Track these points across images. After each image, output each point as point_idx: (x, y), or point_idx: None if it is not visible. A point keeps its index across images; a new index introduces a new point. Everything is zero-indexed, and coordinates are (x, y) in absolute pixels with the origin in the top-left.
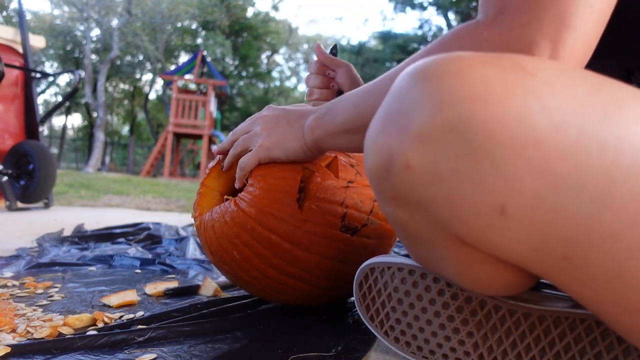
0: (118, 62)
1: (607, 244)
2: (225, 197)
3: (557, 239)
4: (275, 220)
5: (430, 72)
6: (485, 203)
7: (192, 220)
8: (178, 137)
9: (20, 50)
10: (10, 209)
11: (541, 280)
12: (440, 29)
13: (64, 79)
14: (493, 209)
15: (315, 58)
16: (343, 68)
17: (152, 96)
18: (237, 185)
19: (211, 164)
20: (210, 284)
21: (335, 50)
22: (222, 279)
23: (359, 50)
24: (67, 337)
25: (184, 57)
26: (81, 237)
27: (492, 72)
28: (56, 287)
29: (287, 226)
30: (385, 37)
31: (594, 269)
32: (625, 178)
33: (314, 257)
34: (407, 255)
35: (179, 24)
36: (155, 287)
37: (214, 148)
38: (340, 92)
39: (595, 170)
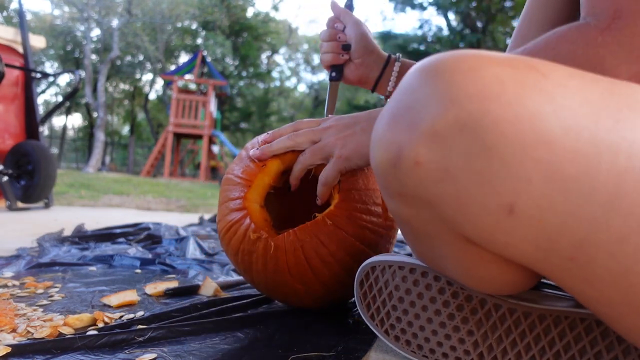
0: (118, 62)
1: (615, 247)
2: (314, 214)
3: (564, 240)
4: (370, 234)
5: (442, 69)
6: (493, 202)
7: (192, 220)
8: (178, 137)
9: (21, 50)
10: (11, 208)
11: (542, 280)
12: (440, 29)
13: (64, 79)
14: (501, 208)
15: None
16: (352, 22)
17: (152, 96)
18: (319, 202)
19: (245, 173)
20: (210, 284)
21: (350, 3)
22: (222, 278)
23: None
24: (67, 337)
25: (184, 57)
26: (81, 237)
27: (505, 71)
28: (56, 287)
29: (377, 237)
30: (385, 37)
31: (600, 270)
32: (635, 183)
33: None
34: (408, 255)
35: (179, 24)
36: (155, 287)
37: (215, 149)
38: (347, 46)
39: (605, 174)
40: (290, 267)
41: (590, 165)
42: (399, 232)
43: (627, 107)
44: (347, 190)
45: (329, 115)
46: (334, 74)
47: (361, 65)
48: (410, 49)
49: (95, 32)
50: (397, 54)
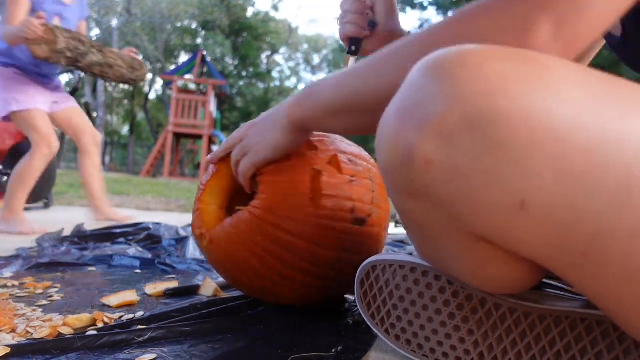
0: None
1: (626, 242)
2: (237, 207)
3: (576, 236)
4: (292, 222)
5: (446, 65)
6: (505, 199)
7: (191, 220)
8: (178, 137)
9: None
10: None
11: (543, 280)
12: None
13: (64, 79)
14: (513, 205)
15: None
16: None
17: (152, 96)
18: (248, 191)
19: (204, 179)
20: (210, 284)
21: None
22: (222, 279)
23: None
24: (66, 337)
25: (183, 57)
26: (81, 237)
27: (509, 65)
28: (56, 287)
29: (304, 226)
30: None
31: (611, 266)
32: None
33: (335, 253)
34: (409, 254)
35: (179, 24)
36: (155, 287)
37: (215, 149)
38: (373, 23)
39: (614, 168)
40: (224, 259)
41: (599, 159)
42: (397, 232)
43: (630, 100)
44: (268, 182)
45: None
46: (353, 47)
47: (384, 39)
48: None
49: (95, 32)
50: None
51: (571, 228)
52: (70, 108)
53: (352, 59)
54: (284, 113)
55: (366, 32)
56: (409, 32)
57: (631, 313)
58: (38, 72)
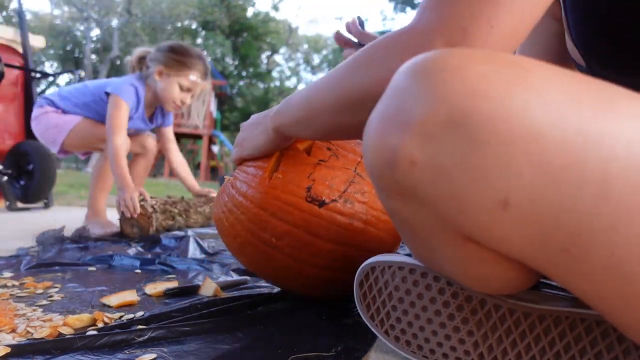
0: (118, 62)
1: (606, 237)
2: (225, 176)
3: (558, 233)
4: (248, 188)
5: (429, 69)
6: (488, 198)
7: None
8: (178, 137)
9: (20, 50)
10: (10, 209)
11: (541, 280)
12: None
13: (64, 79)
14: (496, 204)
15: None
16: (370, 39)
17: None
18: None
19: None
20: (210, 284)
21: (362, 22)
22: (222, 279)
23: None
24: (67, 337)
25: None
26: (81, 237)
27: (490, 67)
28: (56, 287)
29: (257, 193)
30: None
31: (593, 262)
32: (621, 171)
33: (283, 225)
34: (408, 255)
35: (179, 24)
36: (155, 287)
37: (214, 148)
38: (361, 22)
39: (593, 164)
40: (216, 219)
41: (578, 155)
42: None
43: (605, 99)
44: (242, 164)
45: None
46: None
47: None
48: None
49: (95, 32)
50: None
51: (553, 225)
52: None
53: None
54: (268, 120)
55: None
56: None
57: (618, 310)
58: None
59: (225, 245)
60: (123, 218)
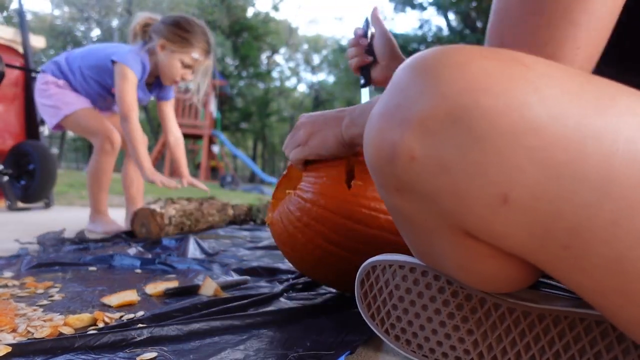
0: None
1: (608, 233)
2: (287, 191)
3: (559, 228)
4: (328, 199)
5: (430, 65)
6: (488, 192)
7: None
8: None
9: (21, 50)
10: (11, 209)
11: (541, 280)
12: (440, 29)
13: None
14: (496, 199)
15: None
16: (380, 31)
17: None
18: (301, 171)
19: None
20: (210, 284)
21: (367, 25)
22: (222, 278)
23: None
24: (67, 336)
25: None
26: (81, 240)
27: (491, 64)
28: (56, 287)
29: (339, 202)
30: None
31: (594, 258)
32: (621, 167)
33: (370, 230)
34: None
35: None
36: (155, 287)
37: (215, 148)
38: (369, 50)
39: (593, 159)
40: (280, 234)
41: (579, 151)
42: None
43: (605, 95)
44: (312, 169)
45: (303, 114)
46: (362, 81)
47: (387, 67)
48: (410, 49)
49: (96, 32)
50: None
51: (553, 220)
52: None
53: (366, 91)
54: (340, 127)
55: (368, 58)
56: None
57: (618, 307)
58: (100, 107)
59: (293, 263)
60: (136, 217)
